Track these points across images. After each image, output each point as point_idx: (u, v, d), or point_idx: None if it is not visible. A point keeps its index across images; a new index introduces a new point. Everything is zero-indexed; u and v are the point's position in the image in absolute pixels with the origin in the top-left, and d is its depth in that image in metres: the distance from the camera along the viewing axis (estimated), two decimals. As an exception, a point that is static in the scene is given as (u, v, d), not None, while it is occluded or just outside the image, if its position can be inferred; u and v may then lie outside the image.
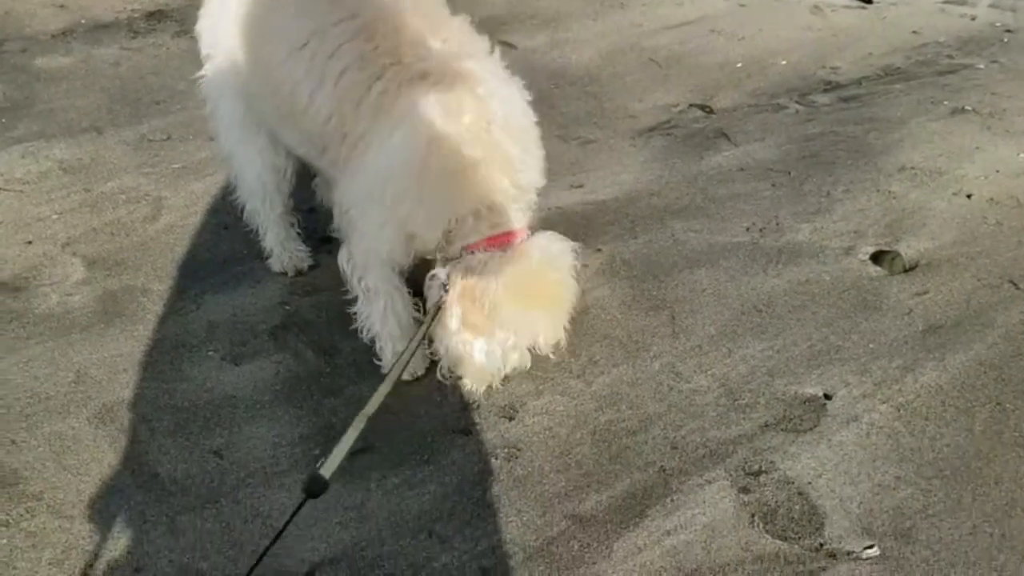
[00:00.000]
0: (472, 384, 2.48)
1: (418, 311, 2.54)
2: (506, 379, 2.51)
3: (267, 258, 3.03)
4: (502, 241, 2.26)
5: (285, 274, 3.03)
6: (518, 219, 2.31)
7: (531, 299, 2.25)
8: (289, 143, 2.61)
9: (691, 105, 4.23)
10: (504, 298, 2.20)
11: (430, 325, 2.31)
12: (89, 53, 4.75)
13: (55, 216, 3.36)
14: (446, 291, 2.26)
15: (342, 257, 2.46)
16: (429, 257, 2.40)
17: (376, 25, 2.21)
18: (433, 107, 2.12)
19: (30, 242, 3.21)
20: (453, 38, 2.26)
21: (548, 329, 2.35)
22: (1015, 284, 2.94)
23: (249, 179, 2.81)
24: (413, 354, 2.22)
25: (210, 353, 2.71)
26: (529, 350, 2.42)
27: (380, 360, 2.57)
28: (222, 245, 3.21)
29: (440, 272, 2.29)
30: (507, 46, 4.69)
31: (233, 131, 2.70)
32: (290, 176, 2.81)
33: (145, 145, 3.87)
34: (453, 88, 2.14)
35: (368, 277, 2.44)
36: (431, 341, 2.43)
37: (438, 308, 2.29)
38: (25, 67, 4.56)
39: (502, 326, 2.26)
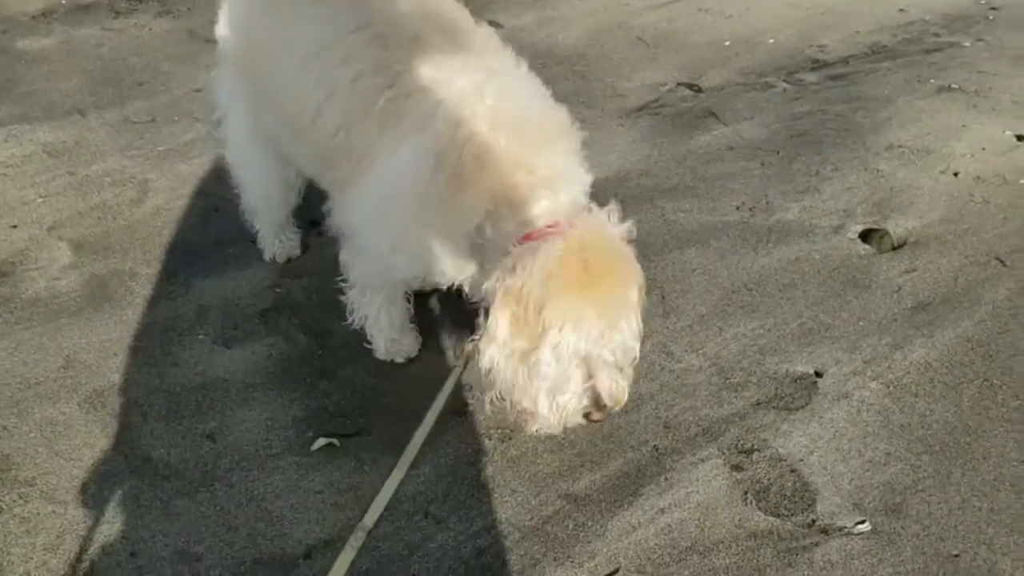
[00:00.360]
0: (542, 419, 1.99)
1: (409, 302, 2.54)
2: (598, 416, 2.03)
3: (258, 245, 3.01)
4: (539, 235, 1.94)
5: (275, 261, 3.02)
6: (553, 210, 1.97)
7: (581, 285, 1.86)
8: (298, 162, 2.48)
9: (679, 84, 4.22)
10: (549, 288, 1.85)
11: (463, 370, 2.04)
12: (70, 34, 4.68)
13: (40, 200, 3.33)
14: (486, 312, 1.94)
15: (350, 273, 2.39)
16: (466, 289, 2.20)
17: (392, 33, 2.07)
18: (443, 117, 1.96)
19: (15, 226, 3.17)
20: (474, 45, 2.13)
21: (614, 321, 1.89)
22: (1002, 261, 2.96)
23: (254, 192, 2.77)
24: (441, 406, 1.97)
25: (201, 337, 2.70)
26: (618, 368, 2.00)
27: (371, 344, 2.57)
28: (211, 228, 3.18)
29: (488, 285, 1.96)
30: (494, 25, 4.65)
31: (242, 143, 2.62)
32: (299, 189, 2.73)
33: (129, 127, 3.83)
34: (465, 95, 1.98)
35: (372, 288, 2.41)
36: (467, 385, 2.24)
37: (468, 358, 2.04)
38: (6, 49, 4.50)
39: (554, 324, 1.85)
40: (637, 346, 1.97)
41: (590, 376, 1.95)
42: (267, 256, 3.01)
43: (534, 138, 2.01)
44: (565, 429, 2.03)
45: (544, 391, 1.93)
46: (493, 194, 1.97)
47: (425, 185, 1.98)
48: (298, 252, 3.03)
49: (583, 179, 2.07)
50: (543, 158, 1.99)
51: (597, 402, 1.99)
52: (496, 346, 1.91)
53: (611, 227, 1.98)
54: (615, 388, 1.98)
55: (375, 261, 2.25)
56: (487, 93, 1.99)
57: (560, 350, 1.87)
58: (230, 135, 2.65)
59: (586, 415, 2.01)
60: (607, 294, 1.89)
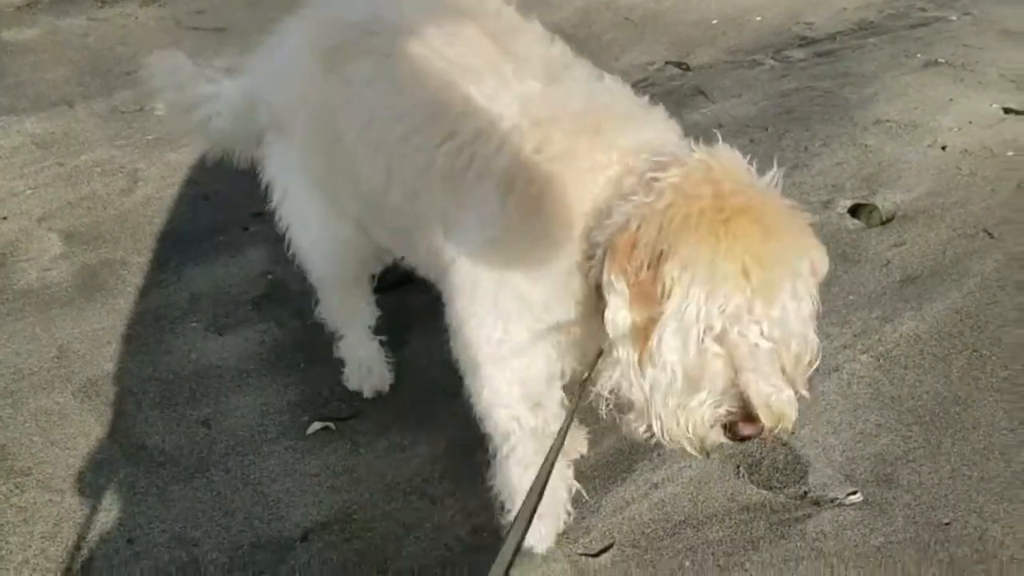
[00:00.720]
0: (666, 427, 1.40)
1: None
2: (749, 431, 1.37)
3: (342, 369, 2.49)
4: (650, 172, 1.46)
5: (360, 393, 2.46)
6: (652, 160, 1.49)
7: (715, 222, 1.33)
8: (382, 242, 2.10)
9: (668, 63, 4.22)
10: (668, 224, 1.34)
11: (577, 404, 1.52)
12: (56, 24, 4.66)
13: (29, 191, 3.32)
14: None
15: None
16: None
17: (444, 72, 1.73)
18: (503, 155, 1.58)
19: (5, 218, 3.17)
20: (530, 58, 1.81)
21: (769, 286, 1.34)
22: (989, 233, 2.97)
23: (332, 297, 2.39)
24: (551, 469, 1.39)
25: (193, 324, 2.70)
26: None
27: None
28: (201, 216, 3.18)
29: (595, 259, 1.47)
30: (481, 8, 4.65)
31: (310, 224, 2.16)
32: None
33: (117, 117, 3.82)
34: (517, 118, 1.61)
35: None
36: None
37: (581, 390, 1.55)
38: (-10, 40, 4.48)
39: (680, 281, 1.31)
40: (811, 333, 1.42)
41: (735, 372, 1.35)
42: (353, 386, 2.46)
43: (619, 126, 1.61)
44: (703, 449, 1.42)
45: (664, 386, 1.36)
46: (591, 194, 1.52)
47: (500, 226, 1.57)
48: (389, 382, 2.49)
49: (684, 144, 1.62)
50: (627, 134, 1.58)
51: (745, 410, 1.34)
52: (612, 325, 1.40)
53: (752, 172, 1.47)
54: (774, 397, 1.35)
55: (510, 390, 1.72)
56: (538, 105, 1.64)
57: (685, 320, 1.32)
58: (292, 217, 2.18)
59: (730, 426, 1.36)
60: (757, 243, 1.33)
